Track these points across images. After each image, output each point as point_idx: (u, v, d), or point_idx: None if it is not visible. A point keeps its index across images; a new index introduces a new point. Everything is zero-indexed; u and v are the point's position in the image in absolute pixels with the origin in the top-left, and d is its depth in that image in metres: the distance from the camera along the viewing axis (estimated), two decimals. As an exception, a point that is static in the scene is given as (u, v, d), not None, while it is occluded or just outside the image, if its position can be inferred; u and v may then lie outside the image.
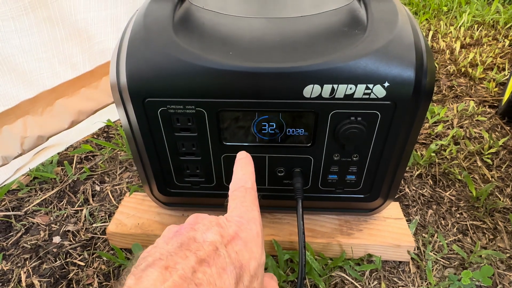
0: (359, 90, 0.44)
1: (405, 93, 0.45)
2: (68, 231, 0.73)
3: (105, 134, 1.04)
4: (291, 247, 0.65)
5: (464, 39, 1.53)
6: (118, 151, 0.95)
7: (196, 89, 0.46)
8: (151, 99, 0.47)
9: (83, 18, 0.74)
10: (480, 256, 0.66)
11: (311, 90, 0.45)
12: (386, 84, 0.44)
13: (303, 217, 0.50)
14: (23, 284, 0.64)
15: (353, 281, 0.62)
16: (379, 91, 0.44)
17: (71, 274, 0.65)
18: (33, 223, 0.76)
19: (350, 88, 0.44)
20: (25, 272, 0.66)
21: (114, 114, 1.03)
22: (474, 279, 0.60)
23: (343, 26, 0.49)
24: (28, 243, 0.71)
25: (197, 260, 0.25)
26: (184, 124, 0.50)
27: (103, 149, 0.96)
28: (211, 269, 0.25)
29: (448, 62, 1.37)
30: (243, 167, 0.40)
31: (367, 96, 0.45)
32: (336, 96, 0.45)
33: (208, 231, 0.28)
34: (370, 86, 0.44)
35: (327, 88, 0.44)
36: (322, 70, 0.43)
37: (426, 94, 0.46)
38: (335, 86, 0.44)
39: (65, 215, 0.77)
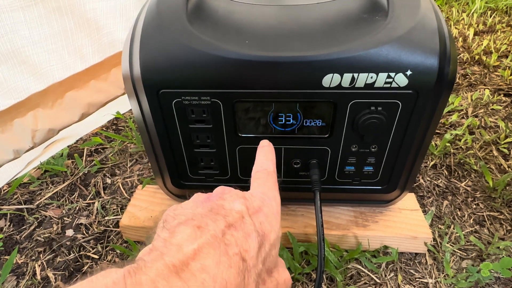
0: (380, 79, 0.43)
1: (428, 82, 0.43)
2: (81, 224, 0.73)
3: (114, 127, 1.03)
4: (306, 239, 0.64)
5: (477, 26, 1.49)
6: (128, 143, 0.95)
7: (211, 80, 0.45)
8: (165, 90, 0.46)
9: (92, 8, 0.72)
10: (498, 247, 0.64)
11: (330, 80, 0.43)
12: (409, 73, 0.42)
13: (321, 210, 0.49)
14: (38, 277, 0.64)
15: (369, 273, 0.61)
16: (401, 79, 0.43)
17: (85, 267, 0.65)
18: (46, 216, 0.76)
19: (371, 77, 0.43)
20: (39, 265, 0.66)
21: (122, 106, 1.02)
22: (493, 271, 0.59)
23: (363, 12, 0.48)
24: (41, 236, 0.71)
25: (226, 224, 0.27)
26: (199, 116, 0.49)
27: (113, 142, 0.95)
28: (238, 232, 0.27)
29: (461, 50, 1.34)
30: (266, 153, 0.41)
31: (388, 85, 0.43)
32: (356, 86, 0.44)
33: (235, 201, 0.30)
34: (392, 74, 0.43)
35: (347, 77, 0.43)
36: (342, 59, 0.42)
37: (449, 83, 0.44)
38: (356, 75, 0.43)
39: (77, 208, 0.77)
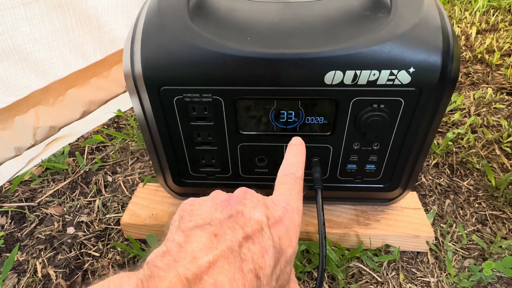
0: (383, 76, 0.43)
1: (431, 79, 0.43)
2: (82, 222, 0.73)
3: (115, 125, 1.03)
4: (307, 238, 0.64)
5: (480, 24, 1.49)
6: (129, 141, 0.94)
7: (213, 77, 0.45)
8: (166, 88, 0.46)
9: (93, 5, 0.72)
10: (501, 246, 0.64)
11: (332, 77, 0.43)
12: (411, 70, 0.42)
13: (323, 208, 0.49)
14: (39, 274, 0.64)
15: (371, 272, 0.61)
16: (403, 77, 0.43)
17: (86, 265, 0.65)
18: (47, 214, 0.76)
19: (374, 74, 0.43)
20: (40, 263, 0.66)
21: (124, 104, 1.02)
22: (495, 270, 0.59)
23: (365, 9, 0.47)
24: (43, 233, 0.71)
25: (244, 235, 0.26)
26: (200, 113, 0.49)
27: (114, 140, 0.95)
28: (255, 246, 0.26)
29: (463, 48, 1.33)
30: (298, 154, 0.39)
31: (391, 83, 0.43)
32: (358, 83, 0.43)
33: (256, 209, 0.29)
34: (395, 72, 0.42)
35: (350, 74, 0.43)
36: (344, 56, 0.42)
37: (452, 81, 0.44)
38: (358, 72, 0.42)
39: (78, 205, 0.77)
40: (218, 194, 0.31)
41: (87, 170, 0.86)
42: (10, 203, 0.78)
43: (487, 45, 1.30)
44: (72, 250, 0.68)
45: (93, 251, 0.67)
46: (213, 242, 0.25)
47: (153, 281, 0.22)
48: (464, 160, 0.84)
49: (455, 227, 0.68)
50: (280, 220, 0.29)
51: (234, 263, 0.24)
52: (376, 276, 0.60)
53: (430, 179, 0.80)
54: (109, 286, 0.22)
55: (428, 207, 0.73)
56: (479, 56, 1.25)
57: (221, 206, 0.29)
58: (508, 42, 1.32)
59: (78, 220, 0.74)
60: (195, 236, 0.25)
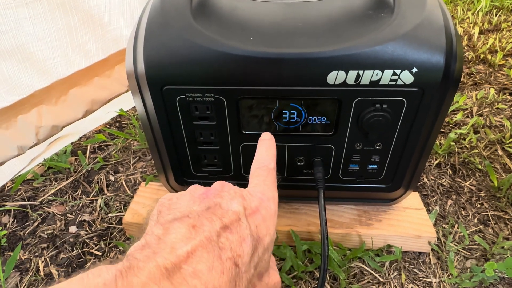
0: (386, 76, 0.43)
1: (434, 79, 0.43)
2: (84, 220, 0.73)
3: (117, 124, 1.03)
4: (309, 238, 0.64)
5: (482, 24, 1.48)
6: (131, 140, 0.95)
7: (215, 76, 0.45)
8: (169, 87, 0.46)
9: (96, 5, 0.72)
10: (503, 247, 0.64)
11: (335, 77, 0.43)
12: (414, 70, 0.42)
13: (325, 208, 0.49)
14: (41, 273, 0.64)
15: (372, 272, 0.61)
16: (406, 77, 0.43)
17: (88, 264, 0.65)
18: (49, 213, 0.76)
19: (376, 74, 0.42)
20: (42, 262, 0.66)
21: (126, 103, 1.02)
22: (497, 271, 0.59)
23: (368, 9, 0.47)
24: (45, 232, 0.71)
25: (222, 225, 0.27)
26: (203, 113, 0.49)
27: (116, 139, 0.96)
28: (233, 236, 0.27)
29: (466, 48, 1.33)
30: (268, 148, 0.40)
31: (393, 83, 0.43)
32: (361, 83, 0.43)
33: (233, 200, 0.30)
34: (398, 72, 0.42)
35: (352, 74, 0.43)
36: (347, 56, 0.42)
37: (455, 81, 0.44)
38: (361, 72, 0.42)
39: (80, 204, 0.77)
40: (195, 188, 0.32)
41: (89, 169, 0.86)
42: (12, 202, 0.79)
43: (490, 45, 1.29)
44: (74, 249, 0.68)
45: (95, 250, 0.67)
46: (192, 233, 0.25)
47: (132, 271, 0.22)
48: (466, 160, 0.84)
49: (457, 228, 0.68)
50: (257, 209, 0.30)
51: (213, 251, 0.25)
52: (378, 276, 0.60)
53: (432, 179, 0.80)
54: (88, 277, 0.22)
55: (430, 208, 0.73)
56: (481, 56, 1.25)
57: (199, 199, 0.30)
58: (511, 42, 1.31)
59: (80, 219, 0.74)
60: (174, 228, 0.26)
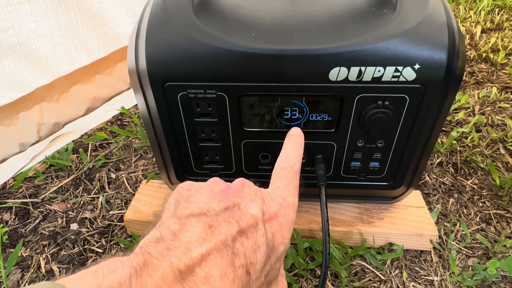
0: (388, 73, 0.42)
1: (436, 76, 0.43)
2: (85, 218, 0.73)
3: (119, 122, 1.03)
4: (310, 235, 0.64)
5: (485, 23, 1.48)
6: (132, 138, 0.95)
7: (217, 73, 0.44)
8: (171, 83, 0.46)
9: (97, 2, 0.72)
10: (505, 245, 0.64)
11: (337, 73, 0.43)
12: (417, 67, 0.42)
13: (326, 205, 0.49)
14: (43, 270, 0.64)
15: (374, 270, 0.61)
16: (409, 73, 0.42)
17: (89, 261, 0.65)
18: (50, 210, 0.76)
19: (379, 71, 0.42)
20: (44, 259, 0.66)
21: (127, 101, 1.02)
22: (499, 269, 0.59)
23: (371, 5, 0.47)
24: (46, 229, 0.71)
25: (238, 229, 0.26)
26: (204, 109, 0.49)
27: (117, 137, 0.96)
28: (248, 241, 0.26)
29: (468, 47, 1.32)
30: (296, 147, 0.37)
31: (396, 79, 0.43)
32: (363, 79, 0.43)
33: (252, 202, 0.29)
34: (400, 68, 0.42)
35: (354, 70, 0.43)
36: (349, 52, 0.42)
37: (457, 78, 0.44)
38: (363, 68, 0.42)
39: (81, 202, 0.77)
40: (216, 183, 0.31)
41: (91, 167, 0.86)
42: (14, 199, 0.79)
43: (492, 44, 1.29)
44: (76, 246, 0.68)
45: (97, 247, 0.67)
46: (208, 233, 0.25)
47: (146, 270, 0.22)
48: (468, 159, 0.83)
49: (459, 226, 0.68)
50: (275, 215, 0.29)
51: (227, 257, 0.24)
52: (379, 274, 0.60)
53: (434, 177, 0.80)
54: (103, 272, 0.21)
55: (432, 206, 0.73)
56: (483, 55, 1.25)
57: (218, 196, 0.29)
58: (513, 41, 1.31)
59: (81, 216, 0.74)
60: (190, 226, 0.25)
